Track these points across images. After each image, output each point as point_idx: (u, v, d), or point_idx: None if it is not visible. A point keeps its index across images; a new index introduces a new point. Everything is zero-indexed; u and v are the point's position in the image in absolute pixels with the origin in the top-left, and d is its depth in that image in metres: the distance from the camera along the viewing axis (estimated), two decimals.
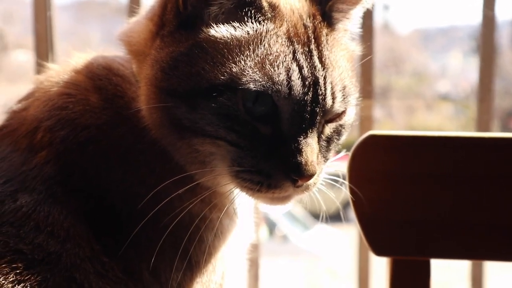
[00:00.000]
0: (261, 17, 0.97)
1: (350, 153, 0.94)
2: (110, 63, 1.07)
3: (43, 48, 1.76)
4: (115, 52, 1.11)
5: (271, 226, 9.24)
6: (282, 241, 9.23)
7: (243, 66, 0.92)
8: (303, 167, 0.92)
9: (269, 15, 0.98)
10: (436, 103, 16.45)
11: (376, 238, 0.95)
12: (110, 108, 1.01)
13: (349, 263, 9.29)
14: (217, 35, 0.95)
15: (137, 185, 0.98)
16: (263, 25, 0.97)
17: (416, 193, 0.92)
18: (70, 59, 1.10)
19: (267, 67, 0.93)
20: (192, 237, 0.99)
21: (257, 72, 0.92)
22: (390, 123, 13.76)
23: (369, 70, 1.67)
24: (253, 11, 0.97)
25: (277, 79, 0.92)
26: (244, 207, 1.10)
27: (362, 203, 0.93)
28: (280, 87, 0.92)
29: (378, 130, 0.95)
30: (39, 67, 1.10)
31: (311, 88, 0.94)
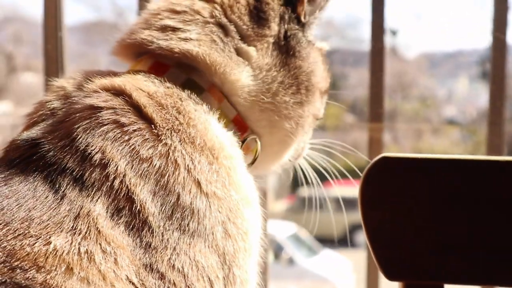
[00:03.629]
0: None
1: (362, 176, 0.93)
2: None
3: (53, 69, 1.75)
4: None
5: (277, 249, 9.20)
6: (288, 264, 9.20)
7: None
8: None
9: None
10: (442, 128, 16.46)
11: (389, 262, 0.93)
12: None
13: (354, 287, 9.24)
14: None
15: None
16: None
17: (430, 217, 0.91)
18: None
19: None
20: None
21: None
22: (397, 147, 13.75)
23: (379, 93, 1.67)
24: None
25: None
26: None
27: (374, 226, 0.92)
28: None
29: (391, 153, 0.94)
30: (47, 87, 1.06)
31: None
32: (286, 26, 1.07)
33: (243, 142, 1.03)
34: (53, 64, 1.75)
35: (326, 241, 9.27)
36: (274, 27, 1.06)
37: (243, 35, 1.04)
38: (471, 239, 0.91)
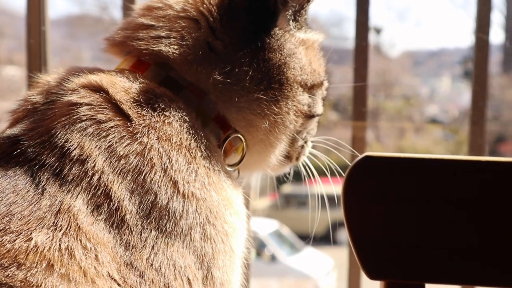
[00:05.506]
0: None
1: (345, 174, 0.94)
2: None
3: (36, 64, 1.74)
4: None
5: (259, 247, 9.21)
6: (270, 262, 9.21)
7: None
8: None
9: None
10: (425, 127, 16.54)
11: (371, 261, 0.93)
12: None
13: (336, 284, 9.29)
14: None
15: None
16: None
17: (412, 216, 0.92)
18: None
19: None
20: None
21: None
22: (379, 146, 13.81)
23: (363, 92, 1.67)
24: None
25: None
26: None
27: (357, 225, 0.92)
28: None
29: (373, 152, 0.94)
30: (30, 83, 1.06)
31: None
32: (255, 16, 1.01)
33: (224, 140, 1.02)
34: (36, 59, 1.74)
35: (307, 238, 9.28)
36: (245, 18, 1.01)
37: (213, 28, 1.00)
38: (453, 239, 0.92)
